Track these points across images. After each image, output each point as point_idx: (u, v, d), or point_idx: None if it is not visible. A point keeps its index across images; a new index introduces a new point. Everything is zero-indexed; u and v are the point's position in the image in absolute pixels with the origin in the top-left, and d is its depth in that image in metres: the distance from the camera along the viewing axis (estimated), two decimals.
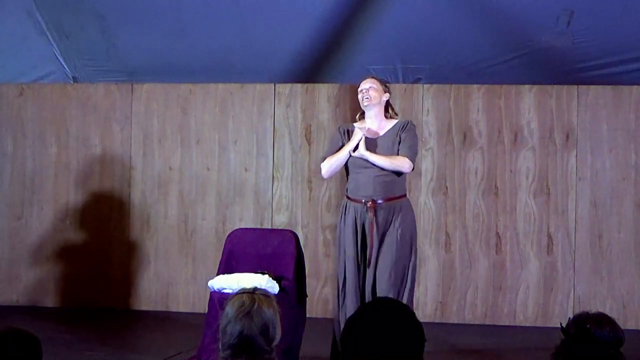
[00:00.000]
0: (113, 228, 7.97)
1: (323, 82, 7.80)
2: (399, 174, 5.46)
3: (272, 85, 7.83)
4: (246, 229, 6.77)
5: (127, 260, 7.94)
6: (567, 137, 7.45)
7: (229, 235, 6.33)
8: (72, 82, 8.17)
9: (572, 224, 7.42)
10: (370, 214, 5.39)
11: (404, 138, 5.50)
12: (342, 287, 5.52)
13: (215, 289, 5.77)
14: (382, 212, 5.41)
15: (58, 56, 8.03)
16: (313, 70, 7.79)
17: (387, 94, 5.63)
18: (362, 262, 5.45)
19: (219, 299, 5.57)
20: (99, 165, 8.01)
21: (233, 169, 7.86)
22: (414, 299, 5.69)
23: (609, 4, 6.93)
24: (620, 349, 2.68)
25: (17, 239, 8.08)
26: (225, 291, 5.67)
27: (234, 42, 7.60)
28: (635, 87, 7.40)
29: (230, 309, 3.01)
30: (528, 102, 7.49)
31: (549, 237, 7.44)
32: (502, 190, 7.50)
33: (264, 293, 3.08)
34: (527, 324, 7.41)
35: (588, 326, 2.66)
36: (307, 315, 6.11)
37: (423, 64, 7.43)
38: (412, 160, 5.48)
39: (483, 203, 7.52)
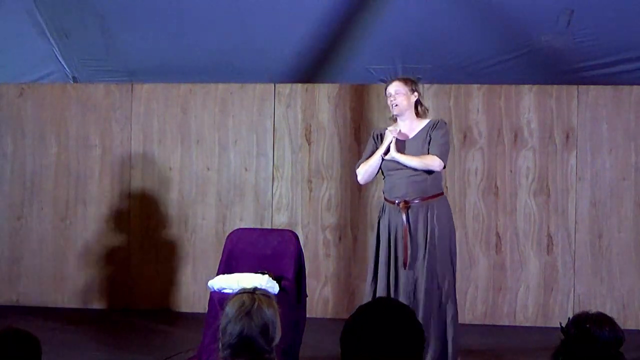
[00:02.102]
0: (113, 228, 7.97)
1: (323, 82, 7.80)
2: (431, 172, 5.42)
3: (272, 85, 7.83)
4: (246, 229, 6.77)
5: (127, 259, 7.94)
6: (567, 137, 7.45)
7: (229, 235, 6.34)
8: (72, 82, 8.17)
9: (572, 224, 7.42)
10: (403, 215, 5.37)
11: (434, 137, 5.47)
12: (373, 288, 5.46)
13: (215, 289, 5.77)
14: (415, 212, 5.38)
15: (58, 56, 8.03)
16: (313, 70, 7.78)
17: (416, 94, 5.55)
18: (394, 263, 5.40)
19: (219, 299, 5.57)
20: (99, 165, 8.01)
21: (233, 169, 7.86)
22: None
23: (609, 4, 6.93)
24: (620, 348, 2.68)
25: (17, 239, 8.08)
26: (225, 291, 5.67)
27: (234, 42, 7.60)
28: (635, 87, 7.40)
29: (230, 309, 3.01)
30: (528, 102, 7.49)
31: (549, 237, 7.44)
32: (502, 190, 7.50)
33: (264, 293, 3.08)
34: (527, 324, 7.41)
35: (588, 326, 2.66)
36: (307, 315, 6.12)
37: (423, 64, 7.43)
38: (442, 157, 5.43)
39: (483, 203, 7.52)
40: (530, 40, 7.25)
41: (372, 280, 5.48)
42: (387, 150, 5.45)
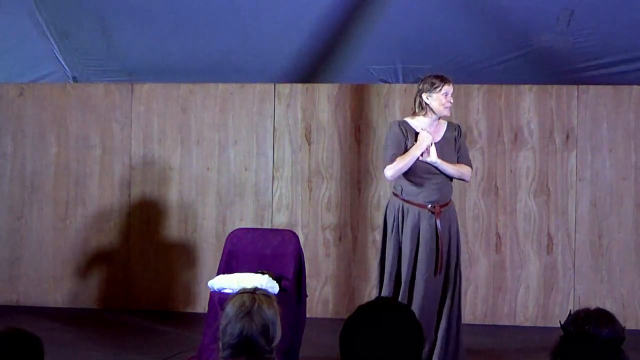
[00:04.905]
0: (113, 228, 7.97)
1: (323, 82, 7.80)
2: (451, 179, 5.46)
3: (272, 85, 7.82)
4: (246, 229, 6.77)
5: (127, 260, 7.94)
6: (567, 137, 7.45)
7: (229, 235, 6.34)
8: (72, 82, 8.17)
9: (572, 224, 7.42)
10: (437, 221, 5.33)
11: (463, 146, 5.50)
12: (391, 290, 5.41)
13: (215, 289, 5.77)
14: (443, 217, 5.38)
15: (58, 56, 8.03)
16: (313, 70, 7.78)
17: None
18: (419, 267, 5.37)
19: (219, 299, 5.58)
20: (99, 165, 8.01)
21: (233, 169, 7.86)
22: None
23: (609, 4, 6.93)
24: (621, 346, 2.67)
25: (17, 239, 8.08)
26: (225, 291, 5.67)
27: (234, 42, 7.60)
28: (635, 87, 7.40)
29: (230, 309, 3.01)
30: (528, 102, 7.49)
31: (549, 237, 7.44)
32: (502, 190, 7.50)
33: (265, 293, 3.09)
34: (527, 324, 7.41)
35: (587, 327, 2.65)
36: (307, 315, 6.12)
37: (423, 64, 7.43)
38: (471, 169, 5.58)
39: (483, 203, 7.52)
40: (530, 40, 7.25)
41: (390, 283, 5.40)
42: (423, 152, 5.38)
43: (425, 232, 5.35)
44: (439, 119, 5.49)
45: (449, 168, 5.39)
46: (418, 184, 5.38)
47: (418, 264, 5.34)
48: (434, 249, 5.34)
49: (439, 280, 5.39)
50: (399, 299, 5.29)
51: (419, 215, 5.36)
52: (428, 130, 5.39)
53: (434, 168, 5.36)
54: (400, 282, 5.37)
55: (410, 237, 5.36)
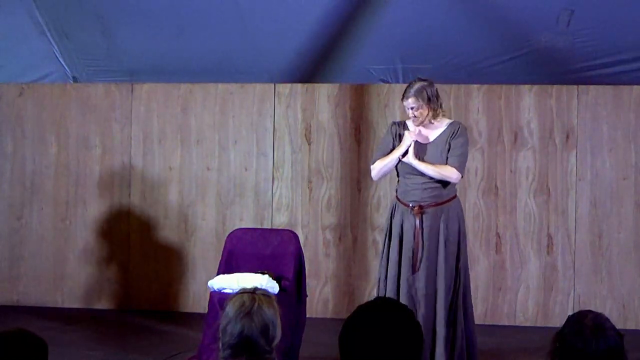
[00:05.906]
0: (113, 228, 7.97)
1: (323, 82, 7.80)
2: (443, 180, 5.43)
3: (272, 85, 7.83)
4: (246, 229, 6.77)
5: (127, 260, 7.94)
6: (567, 137, 7.45)
7: (229, 235, 6.34)
8: (72, 82, 8.17)
9: (572, 224, 7.42)
10: (416, 220, 5.35)
11: (454, 146, 5.42)
12: (384, 288, 5.44)
13: (215, 289, 5.77)
14: (428, 216, 5.37)
15: (58, 56, 8.03)
16: (313, 70, 7.78)
17: (433, 99, 5.43)
18: (402, 265, 5.38)
19: (219, 299, 5.58)
20: (99, 165, 8.01)
21: (233, 169, 7.86)
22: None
23: (609, 4, 6.93)
24: (618, 354, 2.66)
25: (17, 239, 8.08)
26: (225, 291, 5.68)
27: (234, 42, 7.60)
28: (635, 87, 7.40)
29: (230, 309, 3.01)
30: (528, 102, 7.50)
31: (549, 237, 7.44)
32: (502, 190, 7.50)
33: (265, 293, 3.09)
34: (527, 324, 7.41)
35: (581, 345, 2.64)
36: (307, 315, 6.12)
37: (423, 64, 7.43)
38: (461, 169, 5.42)
39: (483, 203, 7.52)
40: (530, 40, 7.25)
41: (384, 280, 5.44)
42: (406, 152, 5.40)
43: (407, 232, 5.40)
44: (436, 118, 5.50)
45: (427, 168, 5.36)
46: (405, 184, 5.46)
47: (402, 263, 5.37)
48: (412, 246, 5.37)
49: (430, 281, 5.35)
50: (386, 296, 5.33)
51: (402, 213, 5.44)
52: (418, 131, 5.44)
53: (414, 169, 5.38)
54: (394, 281, 5.40)
55: (397, 234, 5.43)
